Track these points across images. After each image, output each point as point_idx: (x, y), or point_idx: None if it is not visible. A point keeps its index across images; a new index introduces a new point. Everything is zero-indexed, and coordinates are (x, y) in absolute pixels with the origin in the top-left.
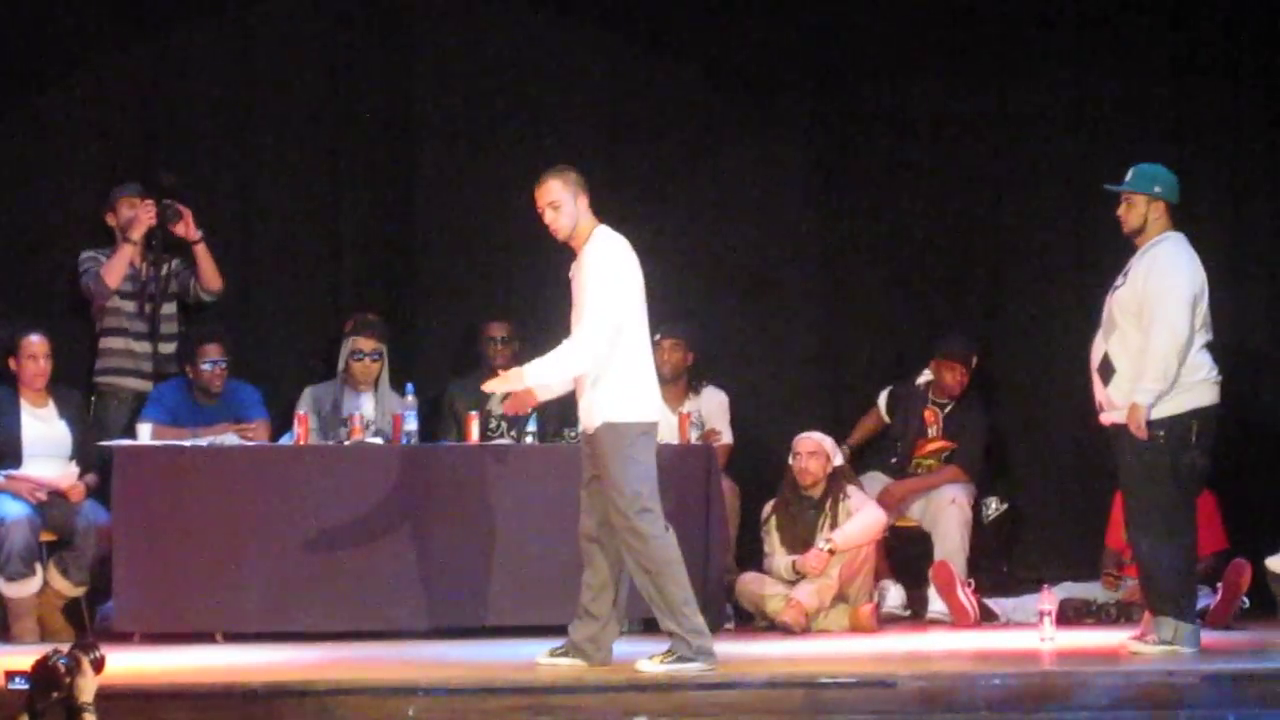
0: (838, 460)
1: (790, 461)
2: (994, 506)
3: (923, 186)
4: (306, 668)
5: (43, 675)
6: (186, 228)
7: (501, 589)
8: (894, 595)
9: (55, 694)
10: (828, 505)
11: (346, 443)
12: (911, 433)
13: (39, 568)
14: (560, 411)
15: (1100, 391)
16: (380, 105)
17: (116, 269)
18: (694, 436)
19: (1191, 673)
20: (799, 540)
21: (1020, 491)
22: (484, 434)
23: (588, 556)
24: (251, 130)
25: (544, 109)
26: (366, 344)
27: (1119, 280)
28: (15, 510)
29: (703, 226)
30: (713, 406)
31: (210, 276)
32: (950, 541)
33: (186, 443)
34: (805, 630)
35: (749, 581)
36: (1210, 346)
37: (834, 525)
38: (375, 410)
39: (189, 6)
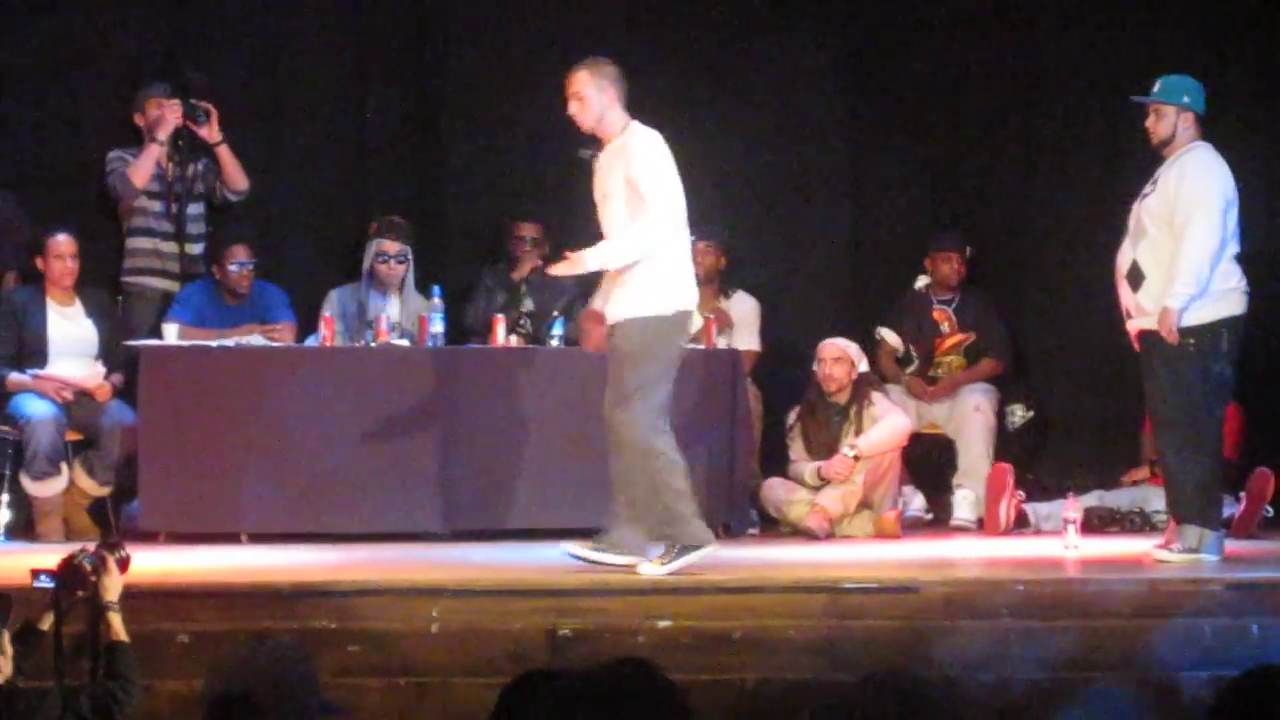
0: (863, 366)
1: (815, 368)
2: (1019, 414)
3: (952, 91)
4: (330, 568)
5: (68, 574)
6: (212, 128)
7: (527, 492)
8: (917, 502)
9: (81, 593)
10: (852, 412)
11: (372, 344)
12: (926, 336)
13: (65, 467)
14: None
15: (1128, 298)
16: (407, 3)
17: (143, 169)
18: (720, 341)
19: (1215, 581)
20: (823, 446)
21: (1046, 399)
22: (511, 327)
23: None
24: (278, 30)
25: (573, 6)
26: (392, 246)
27: (1147, 188)
28: (41, 409)
29: (729, 130)
30: (743, 311)
31: (235, 176)
32: (975, 449)
33: (213, 343)
34: (829, 536)
35: (773, 487)
36: (1239, 257)
37: (859, 431)
38: (401, 312)
39: None
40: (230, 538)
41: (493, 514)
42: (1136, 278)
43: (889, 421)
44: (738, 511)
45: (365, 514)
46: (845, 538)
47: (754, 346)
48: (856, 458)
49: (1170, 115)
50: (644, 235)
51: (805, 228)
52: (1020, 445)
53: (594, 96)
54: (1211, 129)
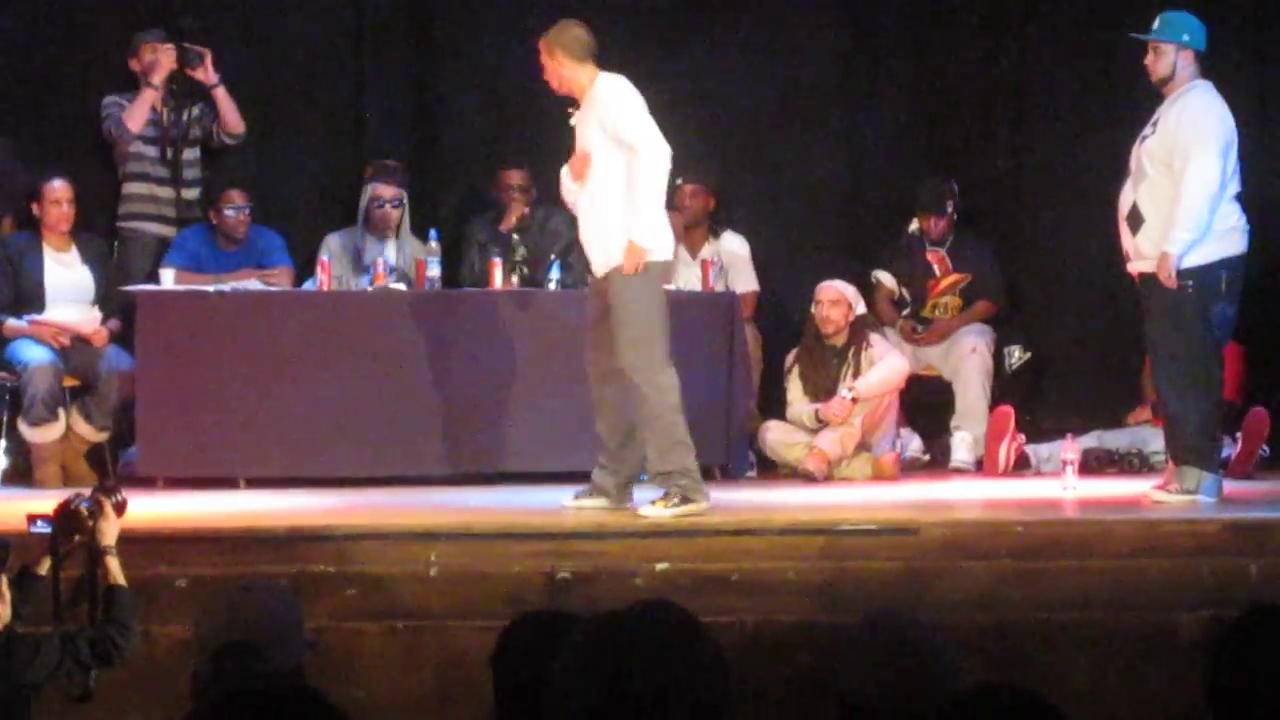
0: (860, 309)
1: (812, 310)
2: (1017, 355)
3: (949, 29)
4: (328, 513)
5: (65, 519)
6: (206, 71)
7: (523, 435)
8: (915, 444)
9: (78, 537)
10: (850, 354)
11: (369, 288)
12: (919, 278)
13: (62, 413)
14: (584, 256)
15: (1128, 240)
16: None
17: (138, 113)
18: (717, 283)
19: (1213, 521)
20: (821, 389)
21: (1044, 340)
22: (507, 277)
23: (599, 397)
24: None
25: None
26: (387, 190)
27: (1147, 129)
28: (38, 355)
29: (724, 69)
30: (735, 252)
31: (232, 120)
32: (972, 390)
33: (209, 288)
34: (827, 478)
35: (772, 429)
36: (1239, 196)
37: (856, 374)
38: (397, 256)
39: None
40: (228, 482)
41: (491, 457)
42: (1136, 220)
43: (886, 363)
44: (736, 454)
45: (363, 458)
46: (843, 480)
47: (752, 287)
48: (854, 400)
49: (1170, 53)
50: (651, 179)
51: (802, 171)
52: (1018, 386)
53: (549, 64)
54: (1211, 66)
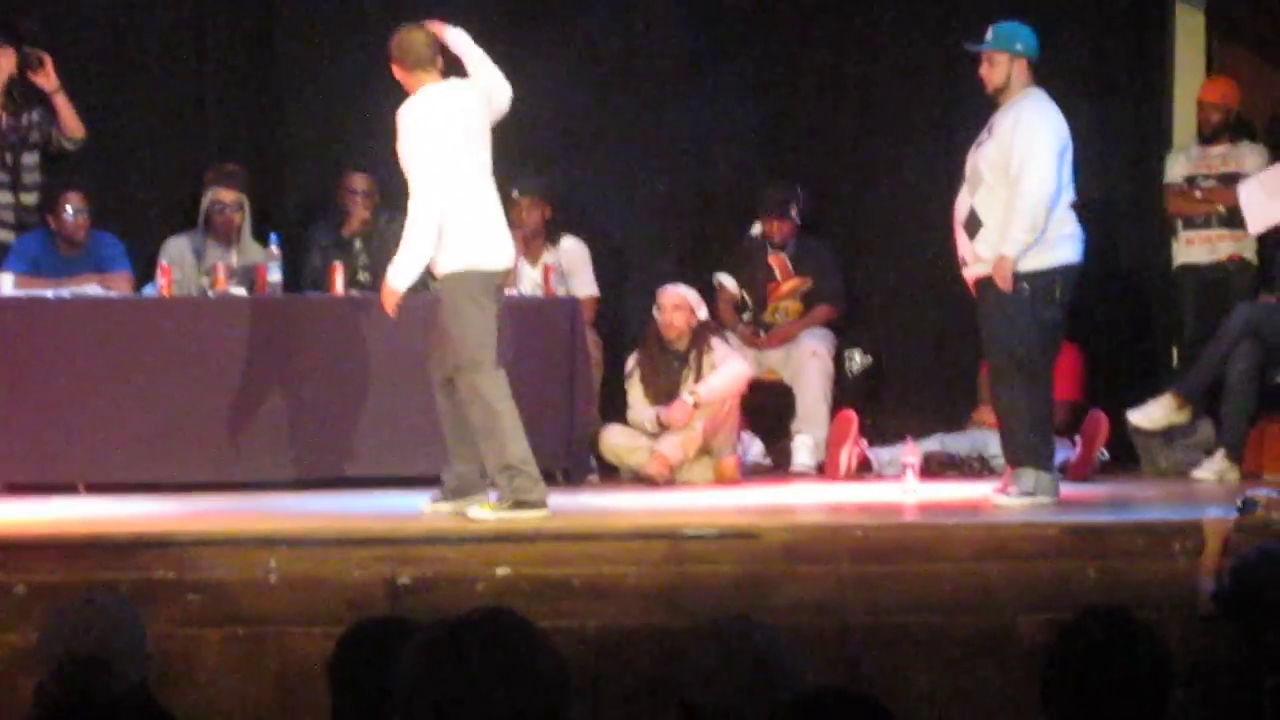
0: (702, 314)
1: (654, 314)
2: (858, 359)
3: (794, 31)
4: (169, 519)
5: None
6: (47, 75)
7: (366, 439)
8: (756, 448)
9: None
10: (692, 358)
11: (210, 293)
12: (760, 282)
13: None
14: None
15: (965, 246)
16: None
17: None
18: (558, 288)
19: (1052, 525)
20: (663, 393)
21: (885, 345)
22: (349, 282)
23: (442, 403)
24: None
25: None
26: (227, 195)
27: (983, 136)
28: None
29: (564, 72)
30: (573, 256)
31: (72, 124)
32: (812, 394)
33: (49, 293)
34: (669, 482)
35: (613, 434)
36: (1074, 205)
37: (698, 378)
38: (238, 261)
39: None
40: (68, 488)
41: (333, 462)
42: (974, 225)
43: (728, 368)
44: (577, 459)
45: (204, 463)
46: (685, 484)
47: (591, 291)
48: (696, 404)
49: (1003, 63)
50: (420, 231)
51: (645, 174)
52: (859, 390)
53: (395, 70)
54: (1047, 74)
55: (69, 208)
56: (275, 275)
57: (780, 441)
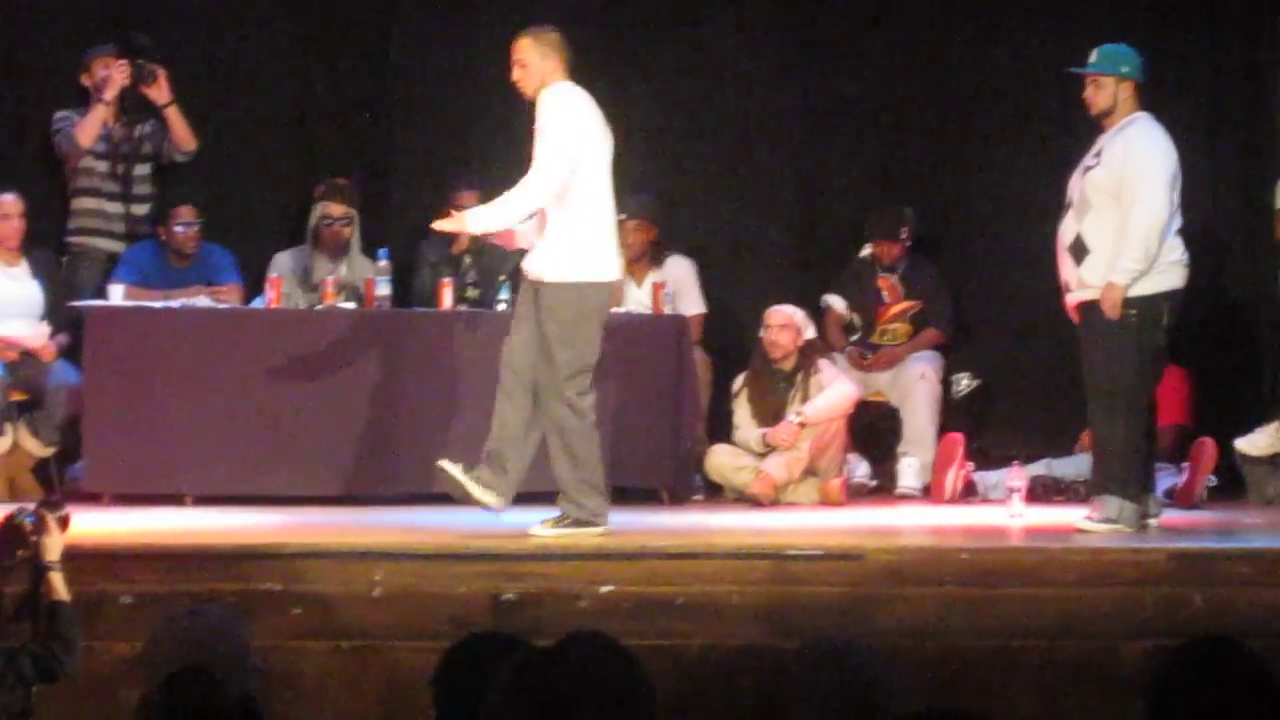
0: (809, 334)
1: (761, 334)
2: (965, 383)
3: (904, 54)
4: (274, 531)
5: (8, 533)
6: (160, 89)
7: (472, 455)
8: (862, 469)
9: (21, 552)
10: (799, 378)
11: (318, 307)
12: (869, 304)
13: (9, 428)
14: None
15: (1070, 271)
16: None
17: (90, 129)
18: (666, 307)
19: (1158, 550)
20: (769, 413)
21: (992, 367)
22: (457, 298)
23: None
24: None
25: None
26: (336, 209)
27: (1090, 160)
28: None
29: (678, 92)
30: (680, 275)
31: (183, 137)
32: (919, 416)
33: (158, 304)
34: (774, 503)
35: (719, 453)
36: (1181, 230)
37: (805, 398)
38: (346, 275)
39: None
40: (174, 499)
41: (439, 477)
42: (1080, 251)
43: (835, 389)
44: (683, 478)
45: (310, 476)
46: (790, 505)
47: (699, 309)
48: (802, 425)
49: (1109, 86)
50: (523, 196)
51: (754, 194)
52: (966, 413)
53: (536, 63)
54: (1156, 99)
55: (181, 220)
56: (384, 290)
57: (886, 463)
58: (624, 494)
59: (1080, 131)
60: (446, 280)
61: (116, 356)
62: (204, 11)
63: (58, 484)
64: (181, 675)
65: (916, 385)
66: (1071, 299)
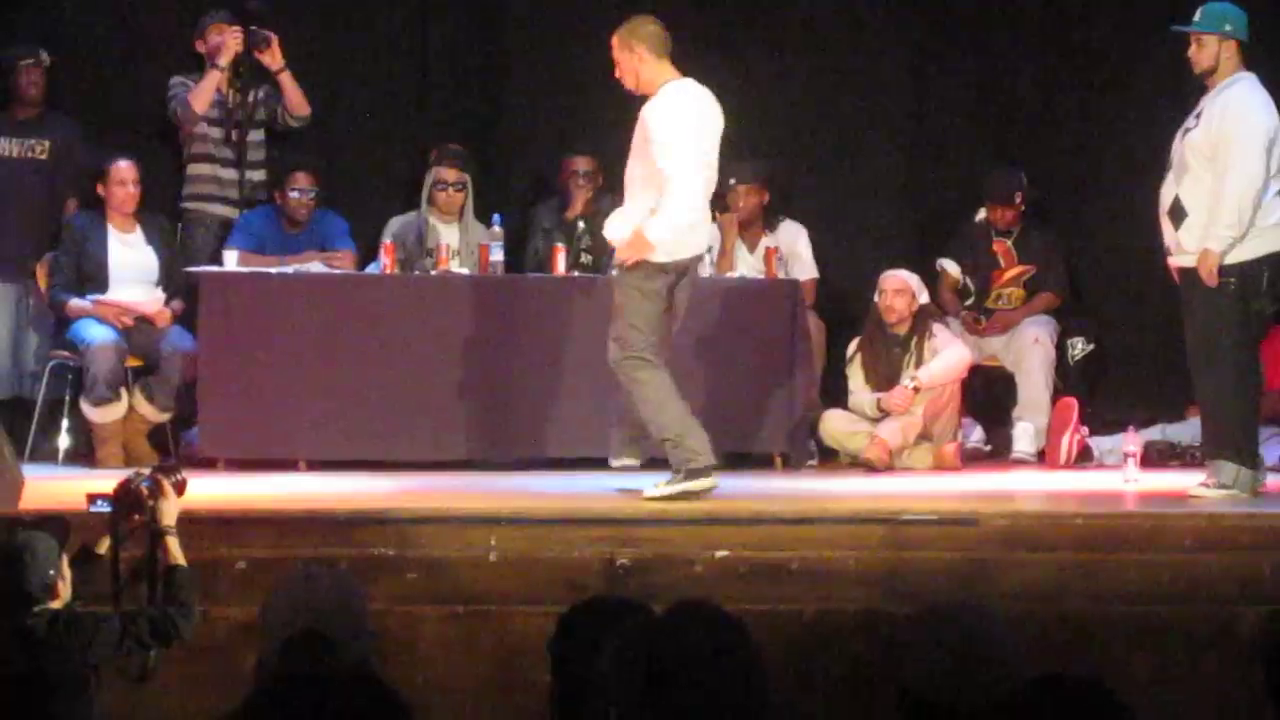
0: (923, 298)
1: (876, 299)
2: (1080, 347)
3: (1014, 17)
4: (388, 496)
5: (124, 498)
6: (273, 55)
7: (586, 421)
8: (976, 434)
9: (137, 517)
10: (913, 343)
11: (433, 272)
12: (983, 268)
13: (124, 393)
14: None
15: (1170, 235)
16: None
17: (204, 95)
18: (780, 271)
19: (1276, 516)
20: (884, 378)
21: (1107, 332)
22: (571, 264)
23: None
24: None
25: None
26: (450, 174)
27: (1190, 122)
28: (101, 335)
29: (789, 57)
30: (793, 239)
31: (297, 102)
32: (1034, 381)
33: (273, 270)
34: (889, 468)
35: (833, 418)
36: None
37: (919, 363)
38: (460, 240)
39: None
40: (288, 464)
41: (552, 442)
42: (1178, 214)
43: (949, 353)
44: (797, 443)
45: (424, 442)
46: (905, 470)
47: (812, 274)
48: (916, 389)
49: (1212, 44)
50: (675, 214)
51: (866, 157)
52: (1080, 378)
53: (625, 59)
54: (1257, 56)
55: (297, 187)
56: (498, 255)
57: (1001, 428)
58: (739, 459)
59: (1193, 91)
60: (560, 246)
61: (231, 322)
62: None
63: (173, 450)
64: (297, 640)
65: (1031, 350)
66: (1173, 263)
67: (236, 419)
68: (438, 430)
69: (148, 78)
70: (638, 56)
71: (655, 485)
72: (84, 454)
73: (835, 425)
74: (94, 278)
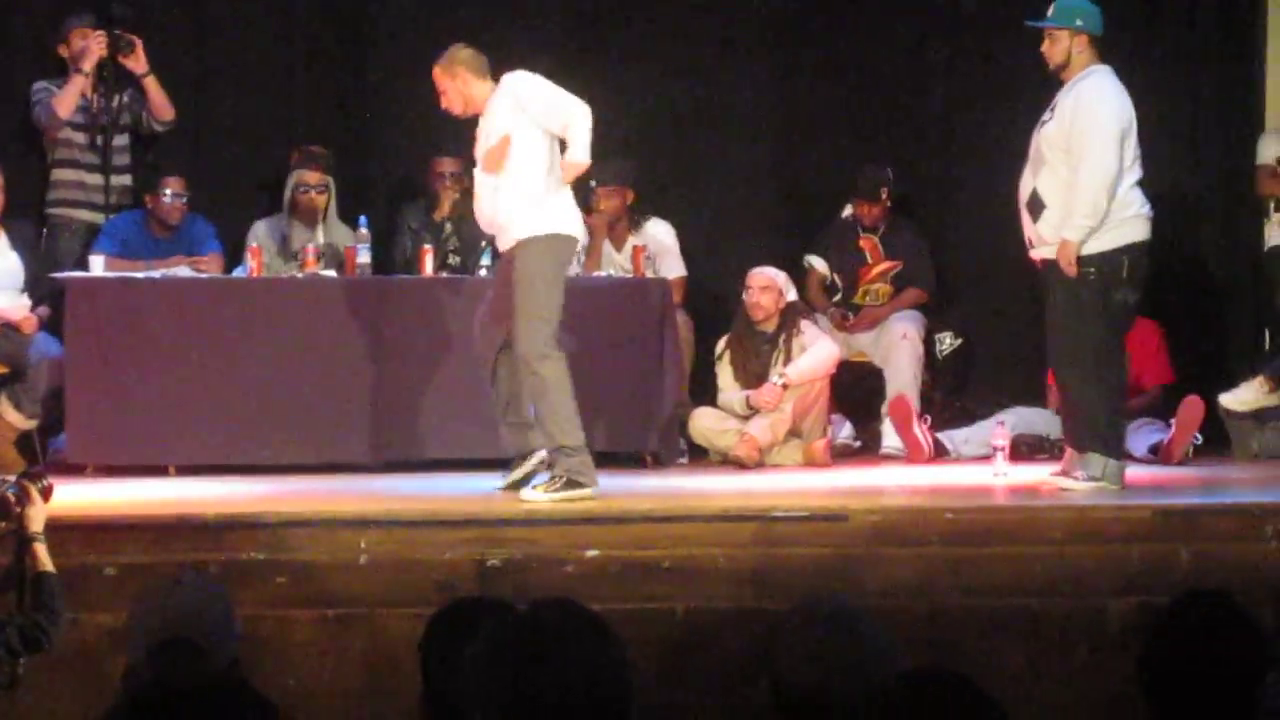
0: (791, 295)
1: (743, 296)
2: (948, 342)
3: (881, 15)
4: (258, 500)
5: None
6: (137, 59)
7: (456, 422)
8: (846, 430)
9: (4, 524)
10: (781, 340)
11: (299, 275)
12: (850, 265)
13: None
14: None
15: (1029, 228)
16: None
17: (68, 100)
18: (647, 270)
19: (1144, 508)
20: (752, 375)
21: (975, 326)
22: (438, 265)
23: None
24: None
25: None
26: (312, 176)
27: (1046, 115)
28: None
29: (652, 54)
30: (660, 239)
31: (161, 106)
32: (902, 376)
33: (140, 274)
34: (758, 465)
35: (702, 416)
36: (1140, 182)
37: (788, 360)
38: (325, 243)
39: None
40: (158, 470)
41: (422, 444)
42: (1036, 207)
43: (818, 350)
44: (667, 441)
45: (294, 446)
46: (774, 466)
47: (680, 272)
48: (785, 386)
49: (1064, 39)
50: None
51: (734, 156)
52: (949, 373)
53: (451, 86)
54: (1139, 55)
55: (168, 191)
56: (365, 257)
57: (870, 424)
58: (608, 458)
59: (1056, 86)
60: (428, 247)
61: (98, 328)
62: None
63: (40, 456)
64: (166, 646)
65: (899, 345)
66: (1034, 255)
67: (105, 425)
68: (307, 434)
69: (10, 83)
70: (462, 80)
71: (534, 488)
72: None
73: (705, 423)
74: None
